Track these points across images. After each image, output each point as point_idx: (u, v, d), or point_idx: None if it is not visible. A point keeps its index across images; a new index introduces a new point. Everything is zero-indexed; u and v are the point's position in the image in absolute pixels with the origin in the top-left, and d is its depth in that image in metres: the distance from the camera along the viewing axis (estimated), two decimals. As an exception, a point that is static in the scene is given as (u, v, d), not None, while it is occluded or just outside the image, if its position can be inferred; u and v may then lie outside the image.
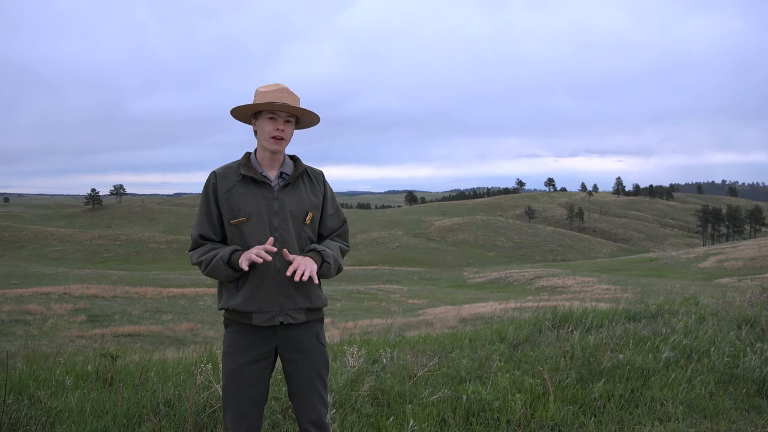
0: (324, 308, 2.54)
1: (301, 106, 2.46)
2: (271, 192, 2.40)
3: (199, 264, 2.38)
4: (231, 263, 2.31)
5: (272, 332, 2.39)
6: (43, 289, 35.70)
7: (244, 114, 2.49)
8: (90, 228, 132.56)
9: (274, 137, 2.38)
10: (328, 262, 2.38)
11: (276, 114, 2.40)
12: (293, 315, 2.39)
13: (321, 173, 2.56)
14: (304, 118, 2.49)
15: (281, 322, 2.38)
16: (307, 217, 2.44)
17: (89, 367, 4.38)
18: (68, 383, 3.67)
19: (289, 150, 2.54)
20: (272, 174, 2.44)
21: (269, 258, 2.24)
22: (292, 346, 2.42)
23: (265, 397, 2.46)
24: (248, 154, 2.49)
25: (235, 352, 2.39)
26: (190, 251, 2.45)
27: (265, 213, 2.37)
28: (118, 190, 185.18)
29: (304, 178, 2.49)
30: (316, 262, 2.34)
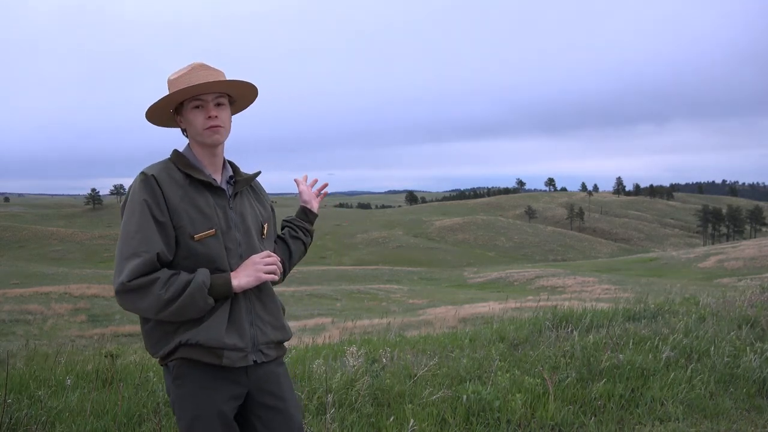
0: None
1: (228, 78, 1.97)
2: (225, 200, 1.94)
3: (160, 297, 1.73)
4: (214, 291, 1.80)
5: (243, 374, 1.90)
6: (44, 289, 35.77)
7: (164, 115, 1.98)
8: (90, 228, 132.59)
9: (209, 128, 1.90)
10: (306, 242, 2.26)
11: (201, 99, 1.90)
12: (265, 351, 1.94)
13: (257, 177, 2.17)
14: (237, 93, 2.00)
15: (255, 361, 1.90)
16: (264, 230, 2.05)
17: (89, 367, 4.39)
18: (68, 383, 3.67)
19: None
20: (218, 177, 1.98)
21: (280, 268, 1.97)
22: (269, 389, 1.95)
23: None
24: (177, 152, 1.96)
25: (203, 394, 1.83)
26: (133, 279, 1.72)
27: (225, 225, 1.91)
28: (119, 190, 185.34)
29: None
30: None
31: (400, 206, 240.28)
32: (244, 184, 2.02)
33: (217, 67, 1.97)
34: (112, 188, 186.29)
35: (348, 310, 31.99)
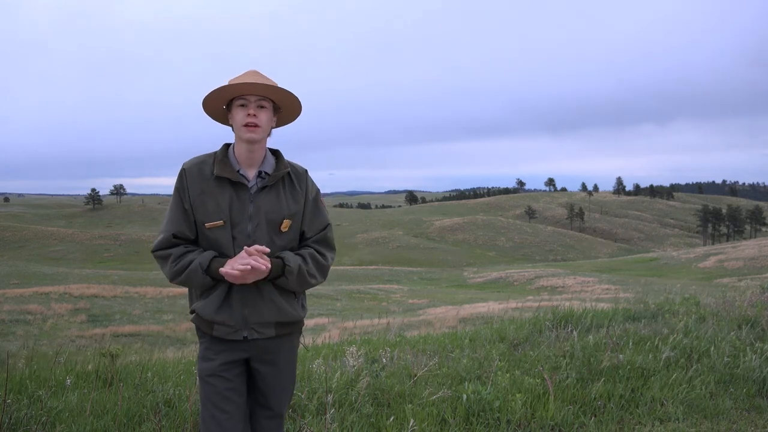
0: (302, 320, 2.33)
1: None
2: (246, 194, 2.16)
3: (171, 269, 2.13)
4: (210, 272, 2.11)
5: (242, 344, 2.21)
6: (44, 289, 35.73)
7: (218, 110, 2.24)
8: (90, 228, 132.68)
9: (246, 125, 2.12)
10: (286, 277, 2.15)
11: (246, 98, 2.14)
12: (259, 330, 2.19)
13: (305, 173, 2.30)
14: (282, 103, 2.22)
15: (245, 337, 2.18)
16: (283, 225, 2.19)
17: (89, 367, 4.38)
18: (68, 383, 3.66)
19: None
20: (250, 172, 2.19)
21: (263, 267, 2.05)
22: (262, 358, 2.25)
23: (245, 411, 2.26)
24: (226, 147, 2.24)
25: (208, 357, 2.21)
26: (157, 250, 2.17)
27: (239, 217, 2.14)
28: (118, 190, 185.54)
29: (285, 179, 2.24)
30: (273, 270, 2.11)
31: (400, 206, 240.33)
32: (272, 180, 2.19)
33: (269, 77, 2.18)
34: (112, 188, 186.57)
35: (348, 310, 31.97)
